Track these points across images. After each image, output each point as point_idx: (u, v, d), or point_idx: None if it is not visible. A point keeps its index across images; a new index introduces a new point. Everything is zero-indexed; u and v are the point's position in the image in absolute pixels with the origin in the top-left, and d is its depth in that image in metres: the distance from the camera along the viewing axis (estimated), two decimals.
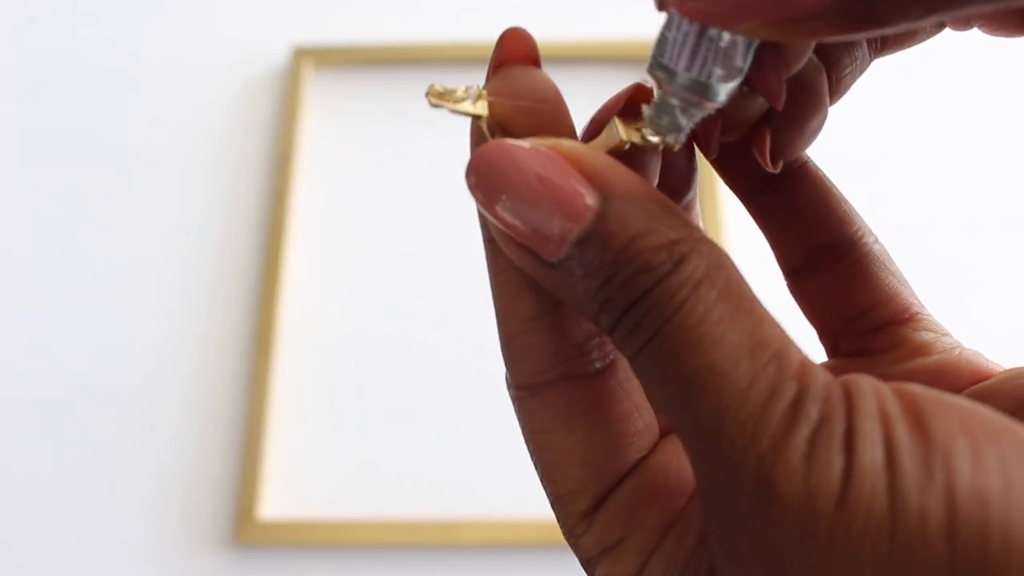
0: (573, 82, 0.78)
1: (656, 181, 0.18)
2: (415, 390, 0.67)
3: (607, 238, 0.14)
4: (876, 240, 0.21)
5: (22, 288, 0.72)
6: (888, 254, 0.21)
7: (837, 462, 0.12)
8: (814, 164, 0.20)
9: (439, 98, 0.15)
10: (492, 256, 0.17)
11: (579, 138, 0.17)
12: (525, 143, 0.15)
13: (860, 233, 0.20)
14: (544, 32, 0.82)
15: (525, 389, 0.17)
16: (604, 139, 0.16)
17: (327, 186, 0.75)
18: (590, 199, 0.14)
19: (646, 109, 0.16)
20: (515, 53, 0.17)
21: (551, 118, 0.16)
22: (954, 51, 0.79)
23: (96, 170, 0.77)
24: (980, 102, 0.77)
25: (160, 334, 0.70)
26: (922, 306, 0.20)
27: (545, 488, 0.17)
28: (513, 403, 0.17)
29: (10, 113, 0.80)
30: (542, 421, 0.16)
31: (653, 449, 0.17)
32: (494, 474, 0.64)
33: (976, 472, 0.11)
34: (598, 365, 0.16)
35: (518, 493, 0.63)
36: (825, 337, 0.20)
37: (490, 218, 0.15)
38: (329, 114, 0.78)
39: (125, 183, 0.76)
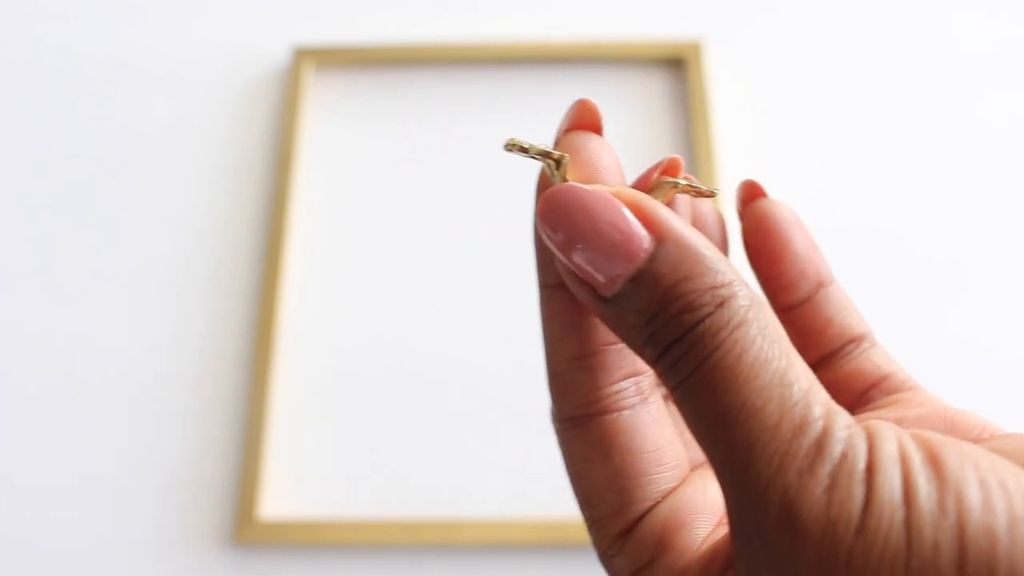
0: (573, 82, 0.78)
1: None
2: (415, 390, 0.67)
3: (658, 278, 0.15)
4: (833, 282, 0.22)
5: (22, 289, 0.72)
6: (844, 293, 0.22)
7: (857, 495, 0.13)
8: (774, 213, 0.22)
9: (515, 146, 0.18)
10: (546, 299, 0.18)
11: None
12: (590, 187, 0.16)
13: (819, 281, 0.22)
14: (543, 32, 0.83)
15: (568, 421, 0.18)
16: (657, 191, 0.19)
17: (327, 186, 0.75)
18: (645, 242, 0.15)
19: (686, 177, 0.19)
20: (583, 122, 0.19)
21: (610, 174, 0.18)
22: (953, 52, 0.79)
23: (96, 170, 0.77)
24: (972, 102, 0.77)
25: (160, 334, 0.70)
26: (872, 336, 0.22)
27: (582, 511, 0.18)
28: (556, 434, 0.19)
29: (10, 113, 0.80)
30: (582, 451, 0.18)
31: (684, 480, 0.18)
32: (494, 474, 0.64)
33: (985, 512, 0.13)
34: (635, 401, 0.18)
35: (518, 493, 0.63)
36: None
37: (555, 251, 0.16)
38: (329, 114, 0.78)
39: (125, 183, 0.76)
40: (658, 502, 0.18)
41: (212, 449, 0.66)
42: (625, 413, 0.18)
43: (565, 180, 0.17)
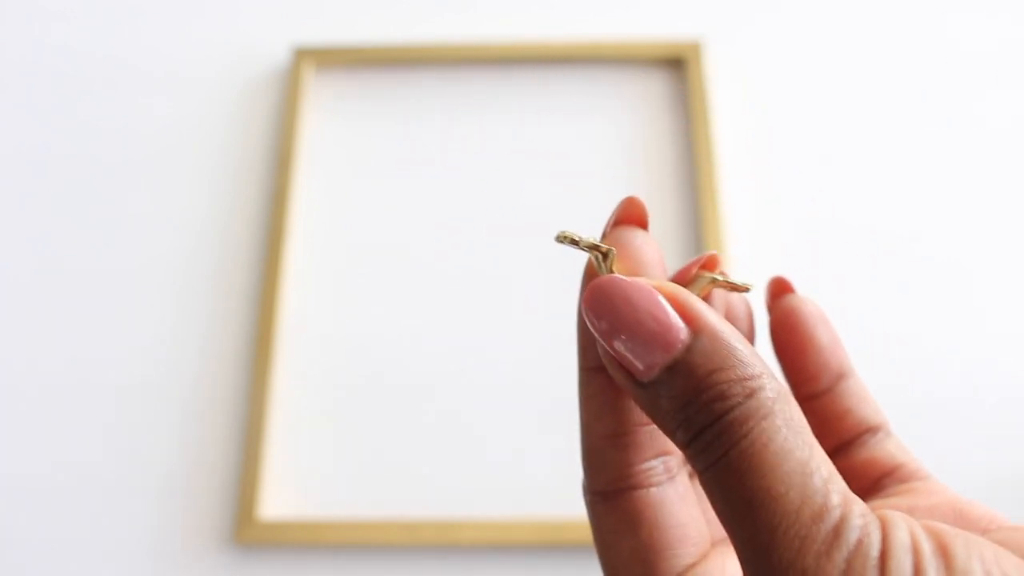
0: (573, 82, 0.78)
1: None
2: (415, 390, 0.67)
3: (693, 368, 0.16)
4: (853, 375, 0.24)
5: (23, 289, 0.72)
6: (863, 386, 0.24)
7: None
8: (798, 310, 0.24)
9: (566, 239, 0.19)
10: (585, 381, 0.20)
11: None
12: (633, 280, 0.17)
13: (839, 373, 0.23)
14: (543, 32, 0.83)
15: (599, 495, 0.19)
16: (694, 285, 0.20)
17: (327, 186, 0.75)
18: (683, 334, 0.17)
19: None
20: (630, 216, 0.20)
21: (653, 268, 0.19)
22: (953, 52, 0.79)
23: (96, 170, 0.77)
24: (970, 103, 0.77)
25: (161, 334, 0.70)
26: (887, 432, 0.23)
27: None
28: (587, 505, 0.20)
29: (10, 113, 0.80)
30: (611, 523, 0.19)
31: (705, 556, 0.19)
32: (494, 474, 0.64)
33: None
34: (663, 479, 0.19)
35: (518, 493, 0.63)
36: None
37: (598, 337, 0.17)
38: (329, 114, 0.78)
39: (125, 183, 0.76)
40: (682, 573, 0.19)
41: (212, 449, 0.66)
42: (654, 490, 0.19)
43: (611, 271, 0.18)
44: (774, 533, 0.15)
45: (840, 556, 0.14)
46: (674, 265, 0.70)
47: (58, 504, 0.65)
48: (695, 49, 0.77)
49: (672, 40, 0.78)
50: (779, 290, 0.24)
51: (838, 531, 0.14)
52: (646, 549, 0.19)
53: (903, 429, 0.69)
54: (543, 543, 0.61)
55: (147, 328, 0.70)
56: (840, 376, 0.23)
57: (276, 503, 0.64)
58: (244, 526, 0.62)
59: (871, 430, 0.23)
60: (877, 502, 0.21)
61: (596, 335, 0.17)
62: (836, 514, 0.15)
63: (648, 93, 0.77)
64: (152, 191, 0.76)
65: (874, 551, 0.14)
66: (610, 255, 0.18)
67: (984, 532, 0.19)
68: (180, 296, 0.71)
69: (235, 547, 0.63)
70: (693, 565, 0.19)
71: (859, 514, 0.15)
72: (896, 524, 0.15)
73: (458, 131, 0.77)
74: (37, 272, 0.73)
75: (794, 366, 0.23)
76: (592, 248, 0.19)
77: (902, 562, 0.14)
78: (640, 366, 0.17)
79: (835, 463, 0.21)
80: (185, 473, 0.65)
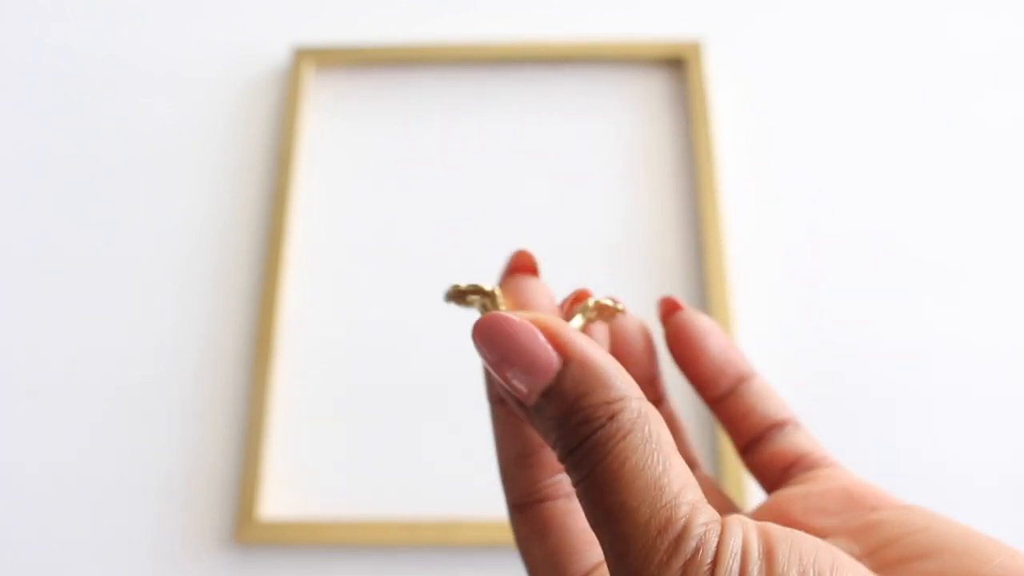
0: (573, 82, 0.78)
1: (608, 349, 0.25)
2: (415, 390, 0.67)
3: (563, 393, 0.18)
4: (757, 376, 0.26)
5: (22, 289, 0.72)
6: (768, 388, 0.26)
7: None
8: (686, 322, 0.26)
9: (452, 295, 0.21)
10: (493, 408, 0.22)
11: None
12: (515, 315, 0.19)
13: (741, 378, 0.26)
14: (543, 32, 0.83)
15: (514, 508, 0.22)
16: (576, 317, 0.22)
17: (327, 186, 0.75)
18: (555, 363, 0.18)
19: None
20: (520, 266, 0.23)
21: (536, 307, 0.22)
22: (953, 52, 0.79)
23: (96, 170, 0.77)
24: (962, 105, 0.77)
25: (160, 334, 0.70)
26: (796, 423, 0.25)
27: None
28: (508, 516, 0.22)
29: (10, 113, 0.80)
30: (525, 532, 0.22)
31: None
32: (494, 474, 0.64)
33: None
34: (568, 491, 0.22)
35: None
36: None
37: (489, 368, 0.19)
38: (329, 114, 0.78)
39: (125, 184, 0.76)
40: (588, 574, 0.21)
41: (212, 449, 0.66)
42: (560, 502, 0.22)
43: (497, 310, 0.20)
44: (627, 543, 0.16)
45: (677, 564, 0.16)
46: (667, 267, 0.70)
47: (58, 504, 0.65)
48: (695, 49, 0.77)
49: (672, 40, 0.78)
50: (669, 309, 0.26)
51: (678, 541, 0.16)
52: (554, 553, 0.21)
53: (903, 424, 0.69)
54: None
55: (147, 328, 0.70)
56: (740, 379, 0.25)
57: (276, 503, 0.64)
58: (244, 526, 0.62)
59: (777, 425, 0.24)
60: (782, 491, 0.23)
61: (488, 366, 0.19)
62: (679, 525, 0.16)
63: (648, 93, 0.77)
64: (152, 191, 0.76)
65: (708, 558, 0.16)
66: (495, 295, 0.21)
67: (871, 511, 0.21)
68: (180, 296, 0.71)
69: (235, 547, 0.63)
70: (598, 566, 0.21)
71: (701, 523, 0.16)
72: (732, 530, 0.16)
73: (458, 131, 0.77)
74: (37, 272, 0.73)
75: (693, 373, 0.25)
76: (476, 291, 0.20)
77: (730, 567, 0.16)
78: (524, 391, 0.18)
79: (747, 457, 0.25)
80: (185, 473, 0.65)
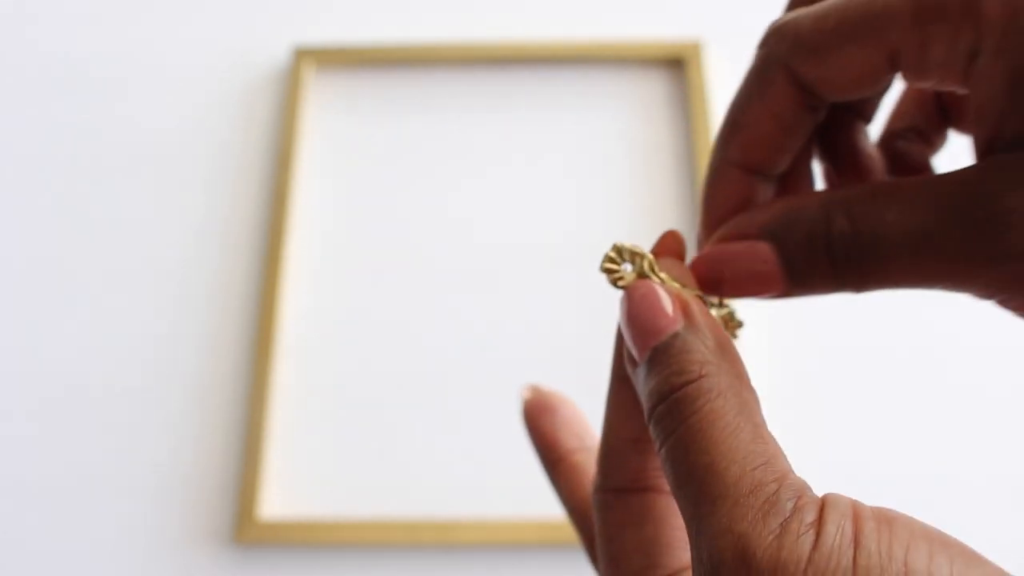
0: (573, 82, 0.78)
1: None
2: (415, 390, 0.67)
3: (668, 349, 0.18)
4: None
5: (23, 289, 0.72)
6: None
7: (806, 539, 0.15)
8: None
9: (616, 254, 0.21)
10: (615, 388, 0.22)
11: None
12: (663, 285, 0.20)
13: None
14: (543, 32, 0.83)
15: (613, 491, 0.21)
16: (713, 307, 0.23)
17: (327, 186, 0.75)
18: (677, 323, 0.19)
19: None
20: (668, 248, 0.22)
21: (684, 281, 0.22)
22: None
23: (97, 171, 0.77)
24: None
25: (161, 334, 0.70)
26: None
27: (606, 570, 0.21)
28: (595, 501, 0.22)
29: (11, 114, 0.80)
30: (620, 517, 0.21)
31: None
32: (494, 474, 0.64)
33: (930, 565, 0.14)
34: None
35: (518, 493, 0.63)
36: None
37: (622, 327, 0.20)
38: (329, 114, 0.78)
39: (126, 184, 0.76)
40: (677, 572, 0.20)
41: (212, 449, 0.66)
42: (664, 496, 0.21)
43: (651, 274, 0.21)
44: (713, 503, 0.16)
45: (775, 521, 0.15)
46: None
47: (57, 503, 0.65)
48: (695, 49, 0.77)
49: (672, 40, 0.78)
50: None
51: (773, 501, 0.15)
52: (650, 543, 0.20)
53: (908, 430, 0.69)
54: (543, 543, 0.61)
55: (147, 328, 0.70)
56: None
57: (276, 503, 0.64)
58: (244, 526, 0.62)
59: None
60: None
61: (621, 324, 0.20)
62: (772, 488, 0.15)
63: (648, 93, 0.77)
64: (152, 191, 0.76)
65: (809, 518, 0.15)
66: (652, 261, 0.21)
67: None
68: (180, 296, 0.71)
69: (235, 547, 0.63)
70: (688, 567, 0.20)
71: (796, 487, 0.16)
72: (837, 498, 0.15)
73: (458, 131, 0.77)
74: (37, 273, 0.73)
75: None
76: (638, 254, 0.21)
77: (840, 524, 0.15)
78: (641, 346, 0.19)
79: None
80: (185, 473, 0.65)
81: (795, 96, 0.21)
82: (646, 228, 0.72)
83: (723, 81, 0.77)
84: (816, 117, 0.21)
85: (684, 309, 0.19)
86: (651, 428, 0.18)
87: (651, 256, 0.21)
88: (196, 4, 0.84)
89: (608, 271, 0.21)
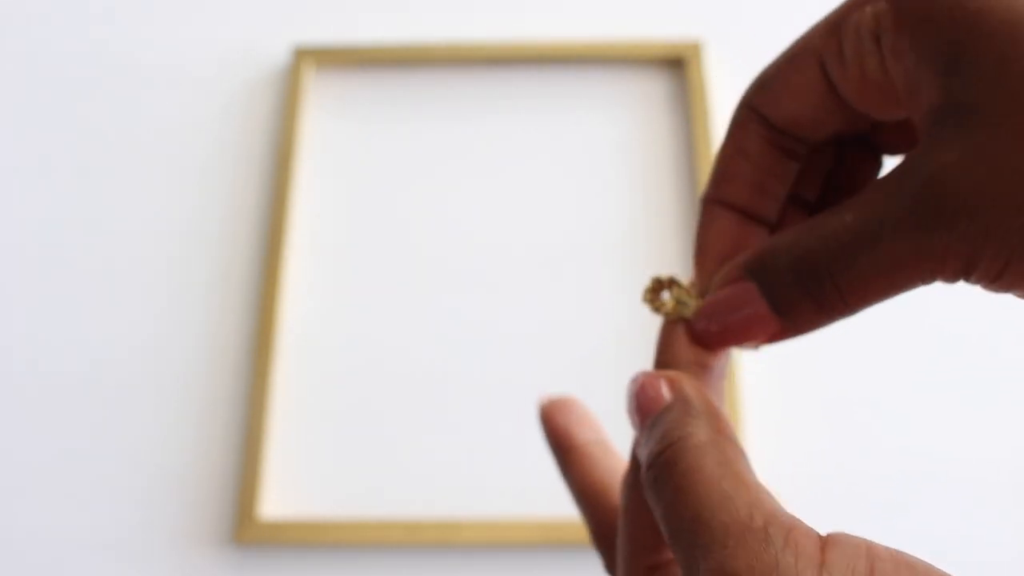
0: (573, 82, 0.78)
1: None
2: (415, 390, 0.67)
3: (656, 422, 0.20)
4: None
5: (22, 288, 0.72)
6: None
7: (807, 567, 0.15)
8: None
9: (655, 288, 0.23)
10: (630, 494, 0.22)
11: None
12: (655, 373, 0.21)
13: None
14: (543, 32, 0.83)
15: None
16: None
17: (327, 186, 0.75)
18: (666, 399, 0.20)
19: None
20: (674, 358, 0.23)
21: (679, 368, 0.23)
22: None
23: (97, 170, 0.77)
24: None
25: (160, 334, 0.70)
26: None
27: (625, 545, 0.22)
28: (624, 483, 0.22)
29: (11, 114, 0.80)
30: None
31: None
32: (495, 474, 0.64)
33: None
34: None
35: (519, 493, 0.63)
36: None
37: (630, 417, 0.21)
38: (329, 114, 0.78)
39: (126, 183, 0.76)
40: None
41: (212, 449, 0.66)
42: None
43: (686, 307, 0.23)
44: (706, 549, 0.16)
45: (768, 555, 0.15)
46: (673, 261, 0.70)
47: (57, 503, 0.65)
48: (695, 49, 0.77)
49: (672, 40, 0.78)
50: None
51: (762, 539, 0.16)
52: None
53: (919, 430, 0.68)
54: (543, 543, 0.61)
55: (147, 327, 0.70)
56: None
57: (276, 503, 0.64)
58: (244, 526, 0.62)
59: None
60: None
61: (630, 415, 0.21)
62: (759, 526, 0.16)
63: (648, 93, 0.77)
64: (152, 190, 0.76)
65: (808, 548, 0.15)
66: (688, 289, 0.22)
67: None
68: (180, 296, 0.71)
69: (235, 547, 0.63)
70: None
71: (783, 524, 0.16)
72: (848, 537, 0.16)
73: (458, 131, 0.77)
74: (37, 271, 0.73)
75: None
76: (673, 284, 0.23)
77: (852, 540, 0.15)
78: (641, 424, 0.20)
79: None
80: (185, 473, 0.65)
81: (768, 138, 0.22)
82: (646, 228, 0.72)
83: (723, 81, 0.77)
84: (796, 160, 0.22)
85: (673, 386, 0.20)
86: (647, 496, 0.19)
87: (682, 282, 0.23)
88: (196, 4, 0.84)
89: (650, 301, 0.23)
